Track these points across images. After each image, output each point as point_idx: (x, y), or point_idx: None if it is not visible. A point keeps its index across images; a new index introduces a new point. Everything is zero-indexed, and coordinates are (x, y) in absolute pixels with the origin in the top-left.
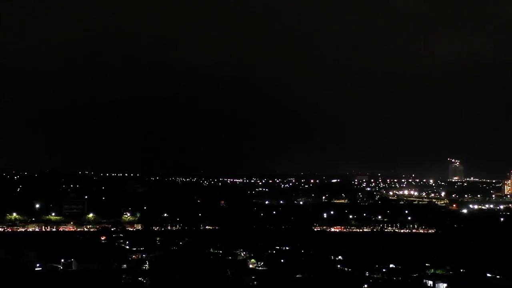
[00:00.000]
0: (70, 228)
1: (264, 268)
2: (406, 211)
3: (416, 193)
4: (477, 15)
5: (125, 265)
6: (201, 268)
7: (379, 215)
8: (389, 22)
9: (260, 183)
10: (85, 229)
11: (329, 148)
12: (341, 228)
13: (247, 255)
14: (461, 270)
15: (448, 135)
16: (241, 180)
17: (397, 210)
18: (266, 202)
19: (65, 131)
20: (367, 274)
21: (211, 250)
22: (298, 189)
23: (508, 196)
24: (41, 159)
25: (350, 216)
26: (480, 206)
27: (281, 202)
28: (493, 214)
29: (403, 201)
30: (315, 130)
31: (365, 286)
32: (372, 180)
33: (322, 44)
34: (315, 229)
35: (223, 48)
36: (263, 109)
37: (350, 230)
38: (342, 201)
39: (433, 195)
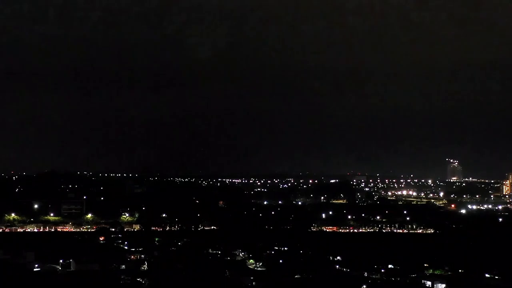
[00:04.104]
0: (68, 228)
1: (263, 269)
2: (405, 212)
3: (414, 194)
4: (477, 15)
5: (123, 266)
6: (200, 268)
7: (378, 215)
8: (389, 22)
9: (258, 184)
10: (84, 230)
11: (328, 148)
12: (334, 228)
13: (246, 256)
14: (460, 271)
15: (447, 135)
16: (240, 181)
17: (395, 210)
18: (265, 203)
19: (63, 132)
20: (365, 274)
21: (210, 250)
22: (297, 189)
23: (507, 196)
24: (39, 159)
25: (349, 217)
26: (478, 207)
27: (280, 202)
28: (491, 214)
29: (401, 202)
30: (314, 131)
31: (364, 286)
32: (370, 181)
33: (321, 43)
34: (314, 230)
35: (222, 48)
36: (262, 109)
37: (348, 230)
38: (341, 201)
39: (431, 195)
